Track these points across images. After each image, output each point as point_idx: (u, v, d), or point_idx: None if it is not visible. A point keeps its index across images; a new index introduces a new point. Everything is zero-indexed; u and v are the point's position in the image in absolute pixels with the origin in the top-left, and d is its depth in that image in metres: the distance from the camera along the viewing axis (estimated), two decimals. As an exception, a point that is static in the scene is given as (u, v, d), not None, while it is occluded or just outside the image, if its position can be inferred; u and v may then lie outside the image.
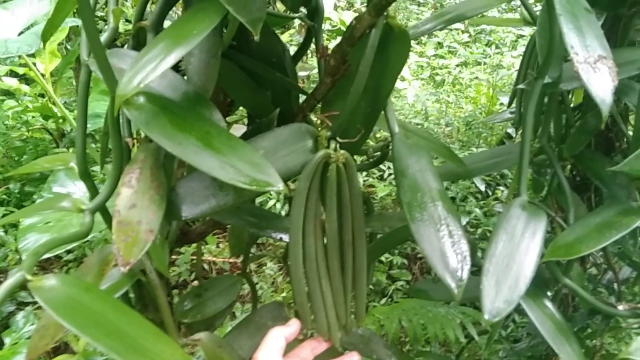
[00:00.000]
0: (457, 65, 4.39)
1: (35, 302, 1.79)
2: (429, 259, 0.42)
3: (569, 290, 0.70)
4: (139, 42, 0.54)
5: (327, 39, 3.11)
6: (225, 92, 0.62)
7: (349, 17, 2.76)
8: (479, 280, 0.50)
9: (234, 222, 0.62)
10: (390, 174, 2.48)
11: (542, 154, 0.74)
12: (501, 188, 2.35)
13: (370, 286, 1.96)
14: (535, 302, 0.64)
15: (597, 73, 0.46)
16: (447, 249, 0.42)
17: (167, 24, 0.55)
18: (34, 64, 1.99)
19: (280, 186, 0.41)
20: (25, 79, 2.52)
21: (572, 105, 0.86)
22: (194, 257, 2.05)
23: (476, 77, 3.95)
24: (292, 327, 0.50)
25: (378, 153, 0.64)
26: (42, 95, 2.55)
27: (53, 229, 1.28)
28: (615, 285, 0.93)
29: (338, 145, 0.49)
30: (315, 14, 0.63)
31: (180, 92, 0.47)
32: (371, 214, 0.73)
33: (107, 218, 0.53)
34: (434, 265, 0.42)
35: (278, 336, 0.49)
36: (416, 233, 0.43)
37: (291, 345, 0.51)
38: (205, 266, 2.14)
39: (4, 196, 2.24)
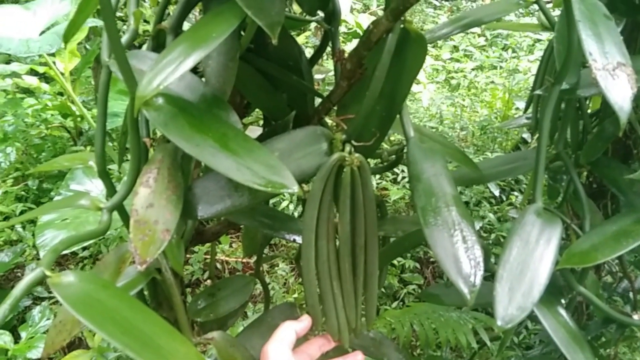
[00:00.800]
0: (473, 69, 4.36)
1: (51, 297, 1.82)
2: (442, 264, 0.42)
3: (584, 298, 0.69)
4: (158, 43, 0.55)
5: (343, 42, 3.12)
6: (242, 94, 0.63)
7: (364, 19, 2.76)
8: (492, 286, 0.50)
9: (248, 222, 0.63)
10: (404, 177, 2.48)
11: (558, 160, 0.74)
12: (515, 193, 2.33)
13: (382, 289, 1.96)
14: (549, 310, 0.64)
15: (615, 80, 0.46)
16: (460, 254, 0.42)
17: (186, 25, 0.56)
18: (54, 63, 2.03)
19: (295, 188, 0.41)
20: (45, 78, 2.56)
21: (589, 111, 0.86)
22: (208, 256, 2.06)
23: (492, 81, 3.93)
24: (304, 322, 0.51)
25: (392, 157, 0.65)
26: (61, 94, 2.59)
27: (70, 226, 1.30)
28: (631, 294, 0.92)
29: (353, 148, 0.49)
30: (332, 18, 0.63)
31: (198, 93, 0.47)
32: (384, 218, 0.73)
33: (124, 217, 0.53)
34: (447, 270, 0.42)
35: (289, 330, 0.49)
36: (430, 238, 0.43)
37: (299, 341, 0.51)
38: (218, 265, 2.16)
39: (23, 192, 2.28)
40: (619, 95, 0.46)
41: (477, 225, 2.15)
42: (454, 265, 0.42)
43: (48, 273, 0.39)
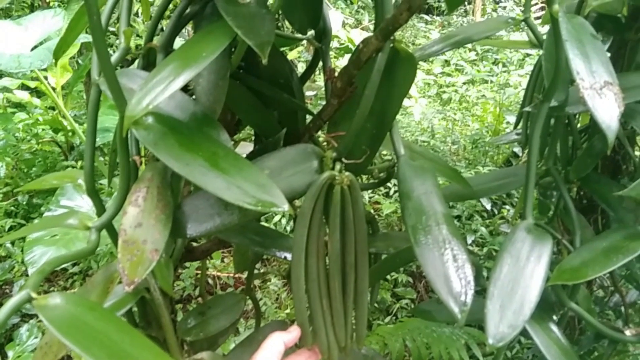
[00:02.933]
0: (464, 83, 4.41)
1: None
2: (433, 283, 0.42)
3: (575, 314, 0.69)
4: (149, 61, 0.55)
5: (335, 57, 3.14)
6: (233, 111, 0.63)
7: (356, 35, 2.78)
8: (484, 302, 0.50)
9: (239, 240, 0.62)
10: (396, 191, 2.48)
11: (548, 176, 0.74)
12: (507, 207, 2.34)
13: (375, 304, 1.95)
14: (540, 326, 0.64)
15: (603, 99, 0.46)
16: (451, 273, 0.42)
17: (179, 41, 0.56)
18: (46, 78, 2.02)
19: (285, 207, 0.41)
20: (36, 92, 2.55)
21: (579, 126, 0.87)
22: (199, 272, 2.05)
23: (483, 95, 3.97)
24: (292, 333, 0.50)
25: (383, 174, 0.65)
26: (53, 108, 2.59)
27: (59, 242, 1.29)
28: (623, 308, 0.92)
29: (343, 166, 0.49)
30: (323, 35, 0.63)
31: (189, 112, 0.47)
32: (376, 234, 0.73)
33: (113, 235, 0.53)
34: (437, 290, 0.41)
35: (277, 341, 0.49)
36: (420, 256, 0.43)
37: (286, 353, 0.51)
38: (210, 281, 2.14)
39: (12, 208, 2.26)
40: (607, 114, 0.46)
41: (470, 239, 2.15)
42: (444, 285, 0.41)
43: (34, 295, 0.38)
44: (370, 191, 2.51)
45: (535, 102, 0.61)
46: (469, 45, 5.02)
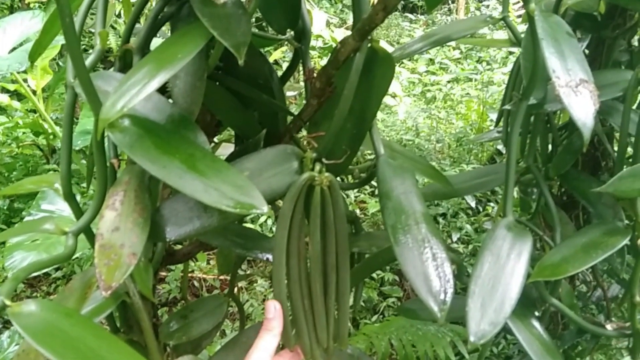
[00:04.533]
0: (449, 82, 4.43)
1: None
2: (412, 282, 0.42)
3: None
4: (125, 63, 0.54)
5: (319, 57, 3.14)
6: (212, 112, 0.62)
7: (340, 34, 2.78)
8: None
9: (220, 243, 0.62)
10: (381, 190, 2.48)
11: (528, 174, 0.75)
12: (492, 204, 2.36)
13: (362, 303, 1.95)
14: (522, 323, 0.64)
15: (578, 97, 0.47)
16: (430, 272, 0.42)
17: (157, 41, 0.55)
18: (25, 80, 1.99)
19: (265, 208, 0.41)
20: (16, 95, 2.51)
21: (559, 122, 0.87)
22: (183, 273, 2.03)
23: (467, 94, 3.99)
24: (277, 329, 0.50)
25: (364, 174, 0.65)
26: (34, 111, 2.55)
27: (40, 247, 1.27)
28: (605, 303, 0.93)
29: (324, 166, 0.49)
30: (302, 36, 0.63)
31: (165, 114, 0.47)
32: (359, 234, 0.73)
33: (92, 239, 0.52)
34: (417, 289, 0.42)
35: (270, 340, 0.48)
36: (400, 256, 0.43)
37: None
38: (195, 283, 2.13)
39: (-7, 212, 2.23)
40: (582, 112, 0.46)
41: (455, 237, 2.17)
42: (424, 284, 0.41)
43: (8, 302, 0.37)
44: (356, 190, 2.52)
45: (514, 100, 0.62)
46: (453, 44, 5.05)
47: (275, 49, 2.82)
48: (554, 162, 0.76)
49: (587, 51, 0.83)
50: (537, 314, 0.70)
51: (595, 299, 1.06)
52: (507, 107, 0.66)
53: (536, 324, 0.66)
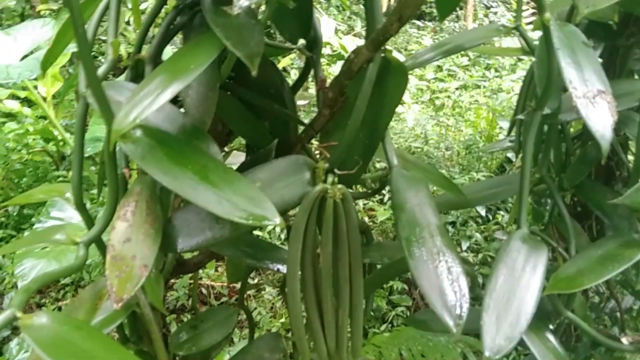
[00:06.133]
0: (457, 89, 4.42)
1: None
2: (427, 296, 0.41)
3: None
4: (137, 73, 0.54)
5: (327, 64, 3.14)
6: (224, 122, 0.62)
7: (348, 41, 2.78)
8: (479, 311, 0.49)
9: (231, 253, 0.61)
10: (390, 198, 2.47)
11: (542, 184, 0.74)
12: (502, 213, 2.34)
13: (371, 312, 1.94)
14: (537, 336, 0.63)
15: (596, 108, 0.46)
16: (445, 285, 0.42)
17: (170, 50, 0.55)
18: (36, 87, 2.01)
19: (277, 220, 0.40)
20: (27, 101, 2.53)
21: (572, 130, 0.86)
22: (193, 281, 2.03)
23: (476, 101, 3.98)
24: None
25: (375, 184, 0.64)
26: (44, 118, 2.57)
27: (50, 255, 1.27)
28: (619, 314, 0.92)
29: (336, 178, 0.49)
30: (314, 45, 0.63)
31: (178, 125, 0.47)
32: (370, 244, 0.72)
33: (103, 249, 0.52)
34: (431, 303, 0.41)
35: None
36: (414, 269, 0.43)
37: None
38: (204, 290, 2.12)
39: (3, 219, 2.24)
40: (600, 123, 0.46)
41: (464, 245, 2.15)
42: (439, 298, 0.41)
43: (19, 314, 0.37)
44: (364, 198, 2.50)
45: (528, 110, 0.61)
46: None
47: (284, 57, 2.82)
48: (568, 173, 0.75)
49: (600, 60, 0.82)
50: (551, 327, 0.69)
51: (609, 310, 1.05)
52: (521, 116, 0.65)
53: (551, 337, 0.64)
